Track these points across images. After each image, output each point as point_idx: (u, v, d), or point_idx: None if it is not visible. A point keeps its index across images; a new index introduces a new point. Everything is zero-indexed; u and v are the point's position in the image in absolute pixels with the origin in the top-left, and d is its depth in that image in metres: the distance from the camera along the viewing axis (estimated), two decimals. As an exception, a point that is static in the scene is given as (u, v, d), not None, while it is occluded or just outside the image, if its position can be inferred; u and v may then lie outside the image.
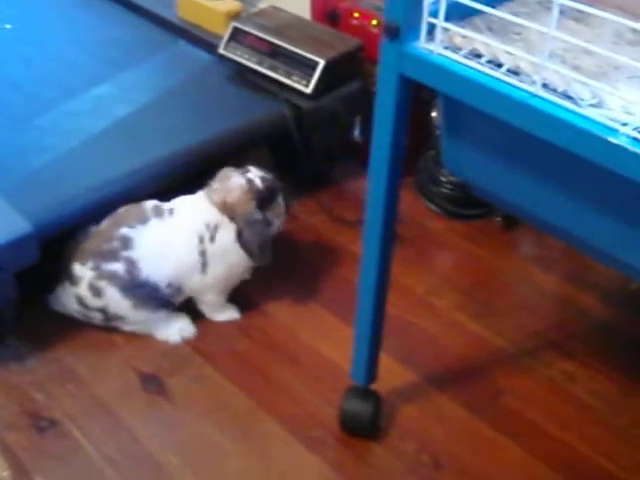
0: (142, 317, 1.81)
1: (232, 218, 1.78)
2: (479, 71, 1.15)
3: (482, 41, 1.18)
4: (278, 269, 1.98)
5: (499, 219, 2.18)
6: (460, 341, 1.87)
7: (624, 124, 1.04)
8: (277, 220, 1.86)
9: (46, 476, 1.56)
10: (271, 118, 2.12)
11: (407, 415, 1.70)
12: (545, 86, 1.10)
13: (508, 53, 1.15)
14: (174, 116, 2.10)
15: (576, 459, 1.62)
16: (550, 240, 2.11)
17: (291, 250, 2.09)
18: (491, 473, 1.60)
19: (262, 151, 2.20)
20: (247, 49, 2.21)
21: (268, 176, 1.85)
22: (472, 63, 1.16)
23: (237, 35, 2.23)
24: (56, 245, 1.77)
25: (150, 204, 1.82)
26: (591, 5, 1.07)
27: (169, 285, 1.79)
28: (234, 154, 2.01)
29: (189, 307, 1.87)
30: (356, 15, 2.24)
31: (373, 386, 1.63)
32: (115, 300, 1.77)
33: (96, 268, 1.76)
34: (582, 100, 1.08)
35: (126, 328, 1.83)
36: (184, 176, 1.94)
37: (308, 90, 2.10)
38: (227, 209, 1.79)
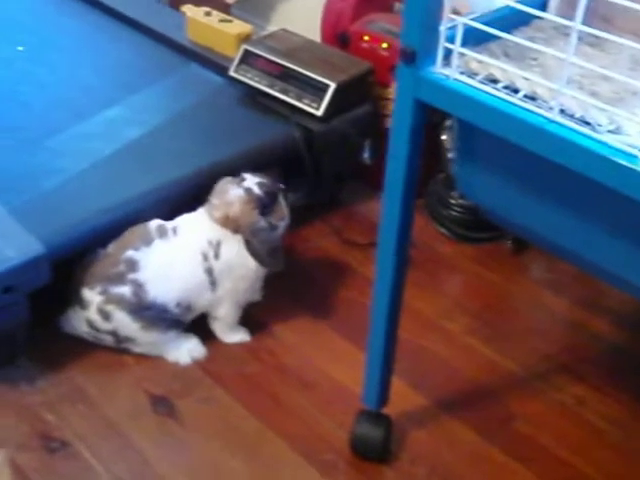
0: (152, 338, 1.81)
1: (237, 231, 1.78)
2: (496, 96, 1.16)
3: (499, 66, 1.18)
4: (288, 291, 1.99)
5: (509, 242, 2.18)
6: (471, 365, 1.87)
7: (642, 150, 1.05)
8: (282, 222, 1.84)
9: (57, 498, 1.56)
10: (282, 140, 2.12)
11: (418, 439, 1.69)
12: (562, 112, 1.11)
13: (525, 79, 1.16)
14: (185, 138, 2.10)
15: (587, 484, 1.62)
16: (561, 264, 2.10)
17: (301, 272, 2.09)
18: (502, 498, 1.59)
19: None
20: (258, 72, 2.21)
21: (265, 180, 1.82)
22: (489, 88, 1.17)
23: (248, 58, 2.24)
24: (67, 266, 1.77)
25: (154, 224, 1.82)
26: (607, 31, 1.08)
27: (178, 305, 1.79)
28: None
29: (199, 328, 1.87)
30: (366, 38, 2.26)
31: (384, 410, 1.63)
32: (124, 323, 1.78)
33: (104, 292, 1.76)
34: (600, 126, 1.08)
35: (137, 350, 1.83)
36: (194, 198, 1.95)
37: (319, 113, 2.11)
38: (230, 223, 1.77)
